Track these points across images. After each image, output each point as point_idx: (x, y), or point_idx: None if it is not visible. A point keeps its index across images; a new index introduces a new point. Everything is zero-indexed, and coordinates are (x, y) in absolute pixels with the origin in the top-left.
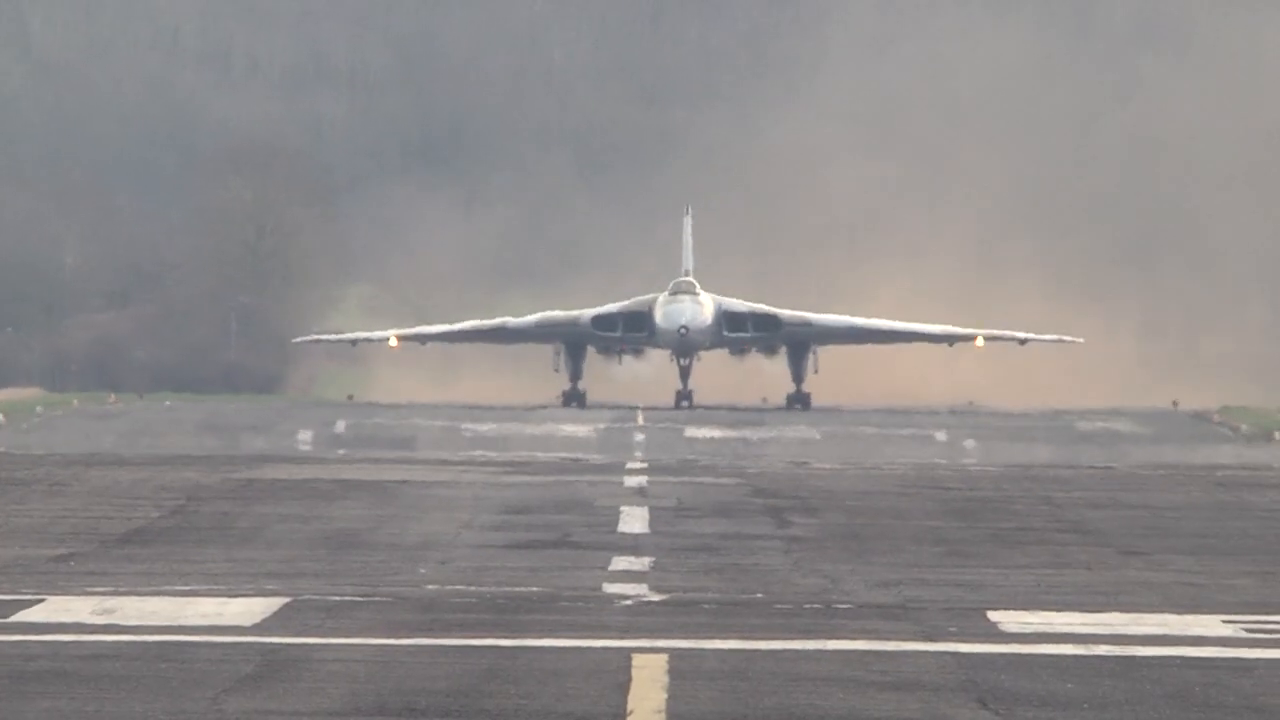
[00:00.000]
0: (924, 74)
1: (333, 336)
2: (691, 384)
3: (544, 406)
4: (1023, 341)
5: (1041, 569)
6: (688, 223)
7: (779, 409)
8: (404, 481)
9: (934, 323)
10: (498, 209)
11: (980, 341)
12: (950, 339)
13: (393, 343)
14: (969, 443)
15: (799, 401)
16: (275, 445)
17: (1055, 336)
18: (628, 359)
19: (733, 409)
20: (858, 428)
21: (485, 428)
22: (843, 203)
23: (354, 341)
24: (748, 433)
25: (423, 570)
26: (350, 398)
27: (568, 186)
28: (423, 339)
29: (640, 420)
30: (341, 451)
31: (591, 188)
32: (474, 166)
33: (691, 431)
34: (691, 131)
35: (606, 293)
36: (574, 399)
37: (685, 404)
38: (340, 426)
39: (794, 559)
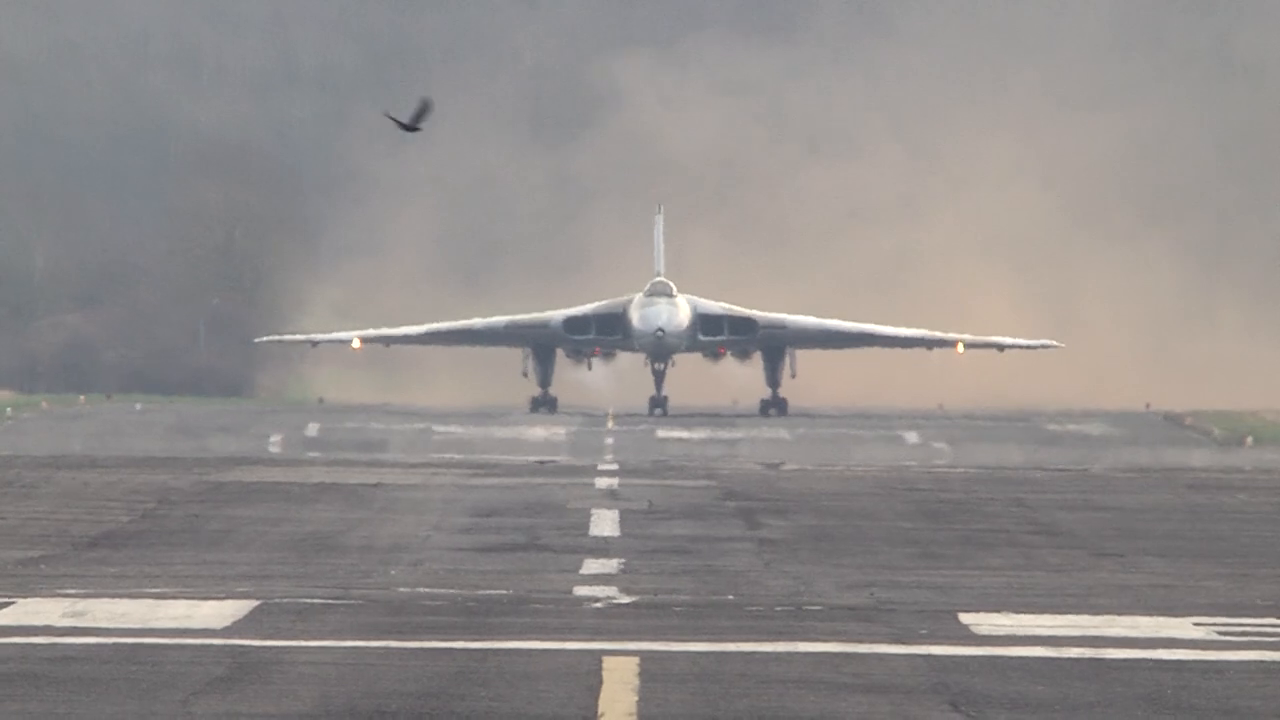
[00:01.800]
0: (909, 69)
1: (293, 337)
2: (665, 389)
3: (509, 414)
4: (1002, 348)
5: (1013, 571)
6: (659, 223)
7: (752, 415)
8: (375, 484)
9: (913, 326)
10: (468, 210)
11: (961, 348)
12: (929, 344)
13: (355, 345)
14: (940, 445)
15: (774, 406)
16: (246, 448)
17: (1036, 342)
18: (598, 363)
19: (711, 416)
20: (829, 430)
21: (456, 430)
22: (820, 204)
23: (314, 343)
24: (719, 434)
25: (394, 573)
26: (321, 401)
27: (539, 188)
28: (386, 341)
29: (611, 423)
30: (312, 454)
31: (563, 190)
32: (444, 168)
33: (663, 433)
34: (663, 132)
35: (576, 295)
36: (543, 405)
37: (659, 411)
38: (311, 429)
39: (765, 561)
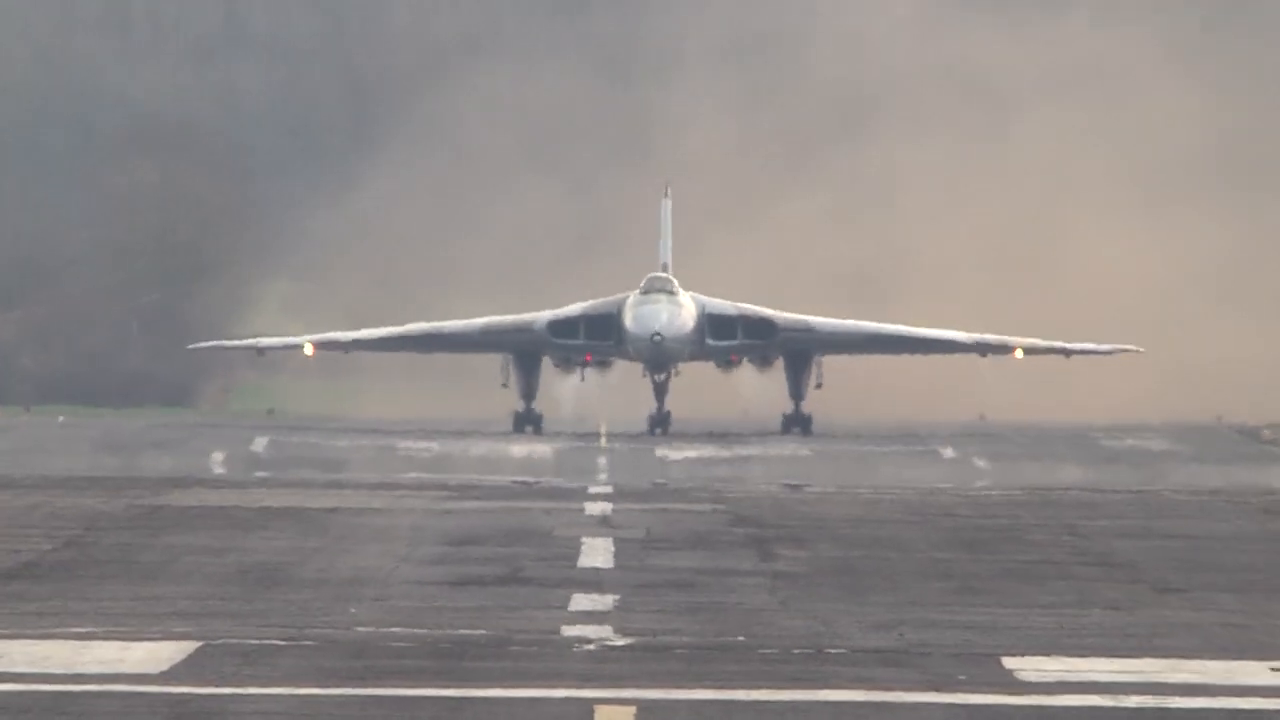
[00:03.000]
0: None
1: (235, 342)
2: (669, 404)
3: (483, 434)
4: (1069, 353)
5: (1064, 608)
6: (666, 206)
7: (772, 434)
8: (333, 509)
9: (962, 328)
10: (441, 194)
11: (1020, 353)
12: (983, 349)
13: (307, 350)
14: (981, 462)
15: (798, 424)
16: (185, 467)
17: (1112, 346)
18: (591, 373)
19: (721, 435)
20: (852, 446)
21: (425, 447)
22: (851, 183)
23: (260, 349)
24: (728, 451)
25: (354, 610)
26: (271, 412)
27: (521, 168)
28: (344, 346)
29: (604, 439)
30: (261, 474)
31: (549, 169)
32: (414, 146)
33: (663, 451)
34: (668, 100)
35: (566, 292)
36: (527, 422)
37: (660, 430)
38: (259, 445)
39: (780, 597)
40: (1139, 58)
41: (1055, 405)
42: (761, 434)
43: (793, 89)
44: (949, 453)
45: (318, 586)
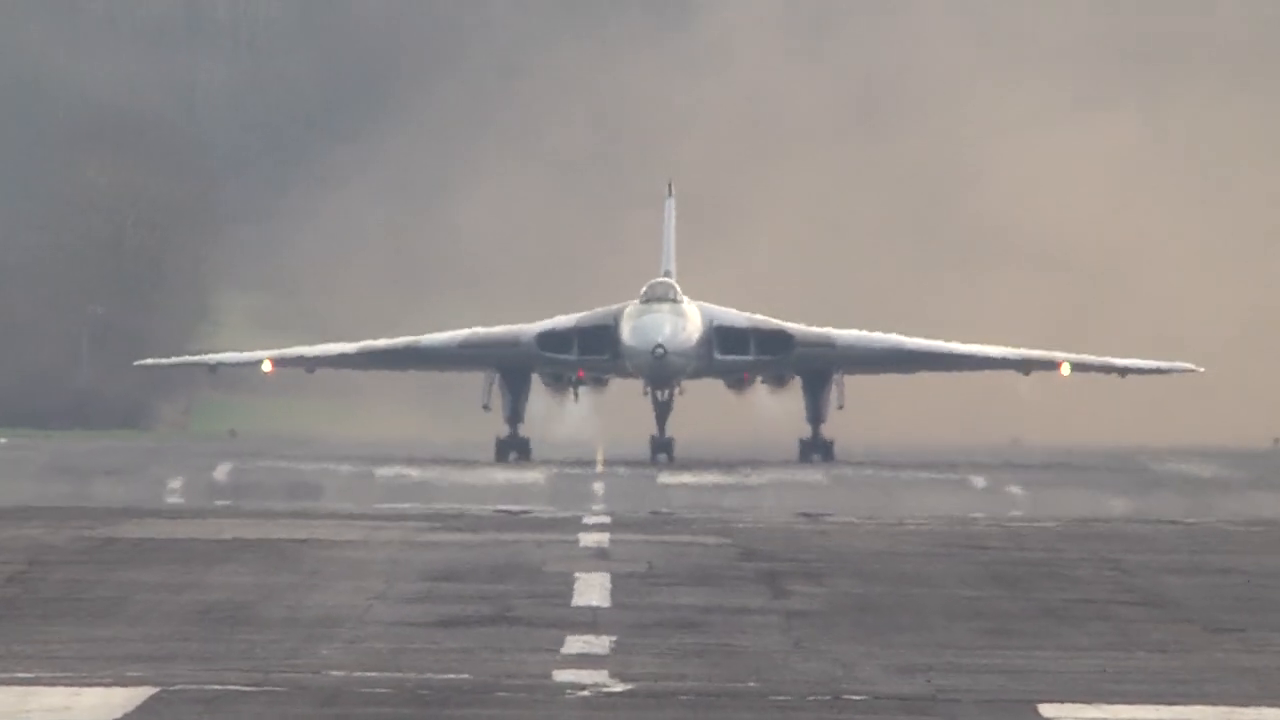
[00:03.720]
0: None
1: (184, 358)
2: (672, 428)
3: (463, 462)
4: (1124, 372)
5: (1106, 651)
6: (669, 206)
7: (789, 463)
8: (302, 541)
9: (1001, 343)
10: (419, 197)
11: (1066, 369)
12: (1026, 366)
13: (266, 367)
14: (1015, 490)
15: (817, 450)
16: (140, 495)
17: (1167, 364)
18: (585, 392)
19: (731, 465)
20: (875, 470)
21: (404, 473)
22: (872, 182)
23: (212, 366)
24: (737, 477)
25: (325, 652)
26: (234, 434)
27: (507, 163)
28: (307, 364)
29: (600, 463)
30: (223, 503)
31: (539, 169)
32: (390, 144)
33: (666, 477)
34: (670, 93)
35: (557, 301)
36: (512, 448)
37: (663, 456)
38: (221, 471)
39: (794, 638)
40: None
41: (1096, 427)
42: (776, 463)
43: (812, 75)
44: (980, 479)
45: (286, 626)
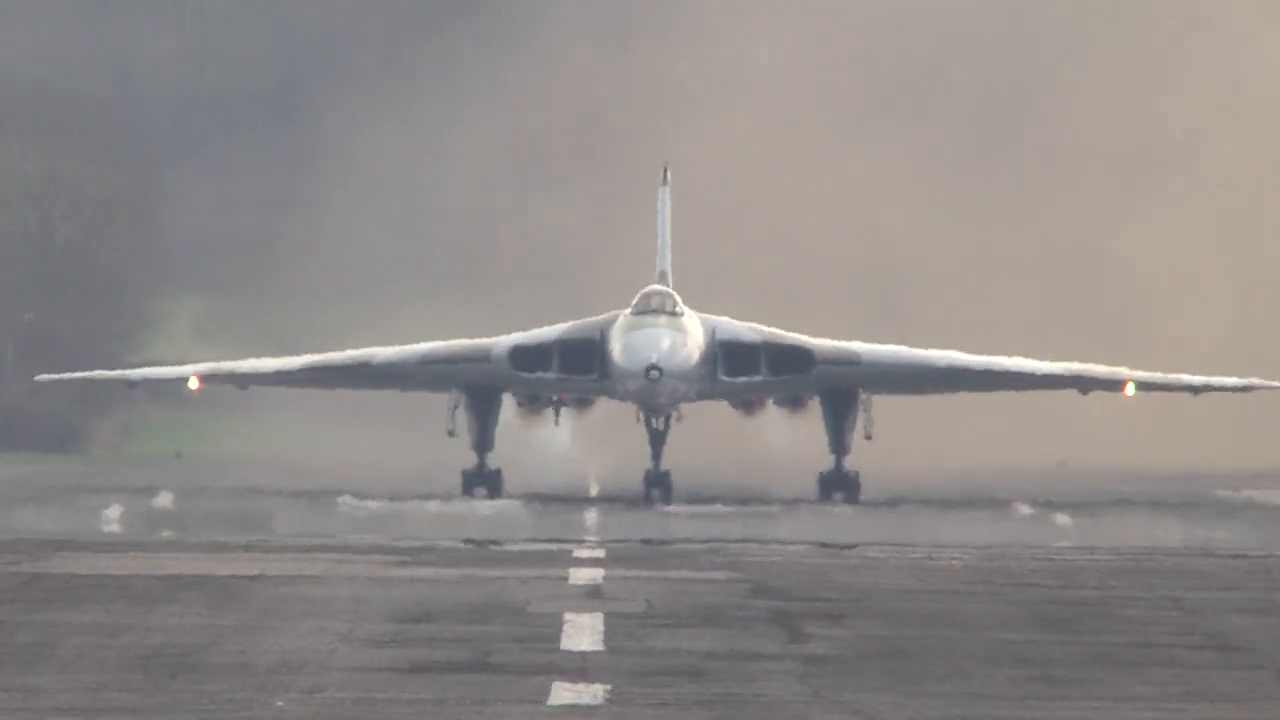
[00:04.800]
0: None
1: (95, 373)
2: (666, 458)
3: (424, 497)
4: (1196, 390)
5: (1167, 702)
6: (664, 195)
7: (808, 501)
8: (255, 577)
9: (1049, 358)
10: (385, 189)
11: (1131, 389)
12: (1084, 384)
13: (193, 384)
14: (1063, 518)
15: (840, 486)
16: (71, 525)
17: (1251, 381)
18: (567, 415)
19: (740, 505)
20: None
21: (369, 500)
22: (900, 173)
23: (131, 383)
24: (747, 505)
25: (281, 703)
26: (179, 457)
27: (480, 156)
28: (238, 380)
29: (593, 488)
30: (166, 534)
31: (515, 157)
32: (351, 127)
33: (654, 495)
34: (666, 65)
35: (535, 311)
36: (479, 482)
37: (659, 492)
38: (164, 499)
39: (813, 687)
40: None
41: (1154, 447)
42: (792, 501)
43: (828, 63)
44: (1024, 507)
45: (236, 674)
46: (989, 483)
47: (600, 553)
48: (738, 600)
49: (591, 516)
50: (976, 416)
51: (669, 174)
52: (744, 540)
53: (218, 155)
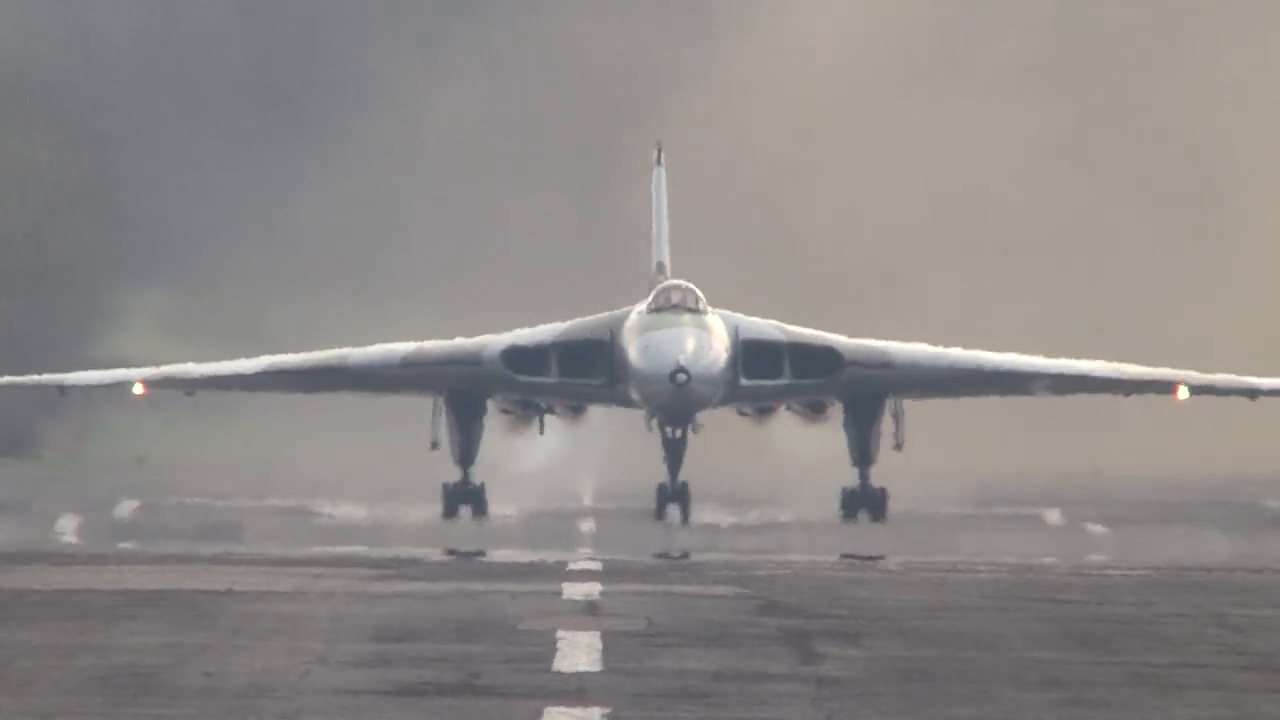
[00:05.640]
0: None
1: (26, 378)
2: (659, 470)
3: (397, 522)
4: (1253, 394)
5: None
6: (659, 178)
7: (829, 523)
8: (224, 592)
9: (1085, 358)
10: (364, 173)
11: (1184, 393)
12: (1132, 386)
13: (137, 389)
14: (1097, 528)
15: (866, 504)
16: (24, 537)
17: None
18: (554, 424)
19: (763, 527)
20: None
21: (349, 511)
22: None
23: (61, 389)
24: (756, 514)
25: None
26: (141, 462)
27: (467, 137)
28: (188, 385)
29: (587, 496)
30: (127, 546)
31: (504, 139)
32: (329, 107)
33: (669, 513)
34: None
35: (530, 307)
36: (463, 500)
37: (678, 508)
38: (125, 508)
39: (826, 711)
40: None
41: (1195, 452)
42: (808, 523)
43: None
44: (1054, 517)
45: (204, 697)
46: (1015, 490)
47: (597, 565)
48: (745, 617)
49: (588, 526)
50: (995, 417)
51: (663, 154)
52: (754, 552)
53: (184, 139)
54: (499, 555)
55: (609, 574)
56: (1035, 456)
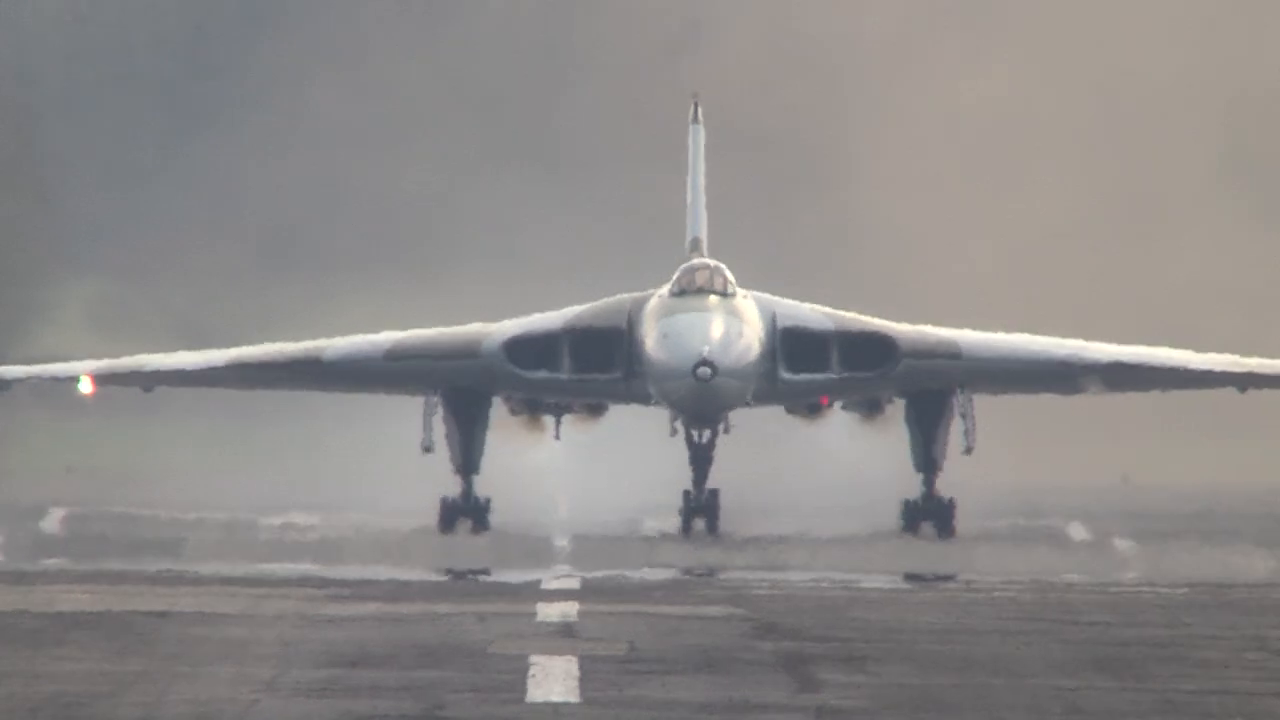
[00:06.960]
0: None
1: None
2: (685, 472)
3: (387, 541)
4: None
5: None
6: (696, 136)
7: (887, 535)
8: (162, 614)
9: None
10: (326, 147)
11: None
12: (1247, 381)
13: (85, 387)
14: (1125, 543)
15: (932, 516)
16: None
17: None
18: (570, 424)
19: (813, 541)
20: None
21: (301, 521)
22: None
23: (5, 383)
24: (795, 525)
25: None
26: (70, 470)
27: (450, 91)
28: (144, 380)
29: (563, 506)
30: (54, 562)
31: (498, 106)
32: (286, 68)
33: (655, 521)
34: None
35: (535, 291)
36: (463, 513)
37: (707, 521)
38: (52, 520)
39: None
40: None
41: (1231, 461)
42: (869, 536)
43: None
44: (1079, 530)
45: None
46: (1038, 500)
47: (574, 583)
48: (738, 641)
49: (565, 541)
50: (1017, 418)
51: (699, 110)
52: (747, 568)
53: (120, 111)
54: (469, 573)
55: (587, 593)
56: (1060, 465)
